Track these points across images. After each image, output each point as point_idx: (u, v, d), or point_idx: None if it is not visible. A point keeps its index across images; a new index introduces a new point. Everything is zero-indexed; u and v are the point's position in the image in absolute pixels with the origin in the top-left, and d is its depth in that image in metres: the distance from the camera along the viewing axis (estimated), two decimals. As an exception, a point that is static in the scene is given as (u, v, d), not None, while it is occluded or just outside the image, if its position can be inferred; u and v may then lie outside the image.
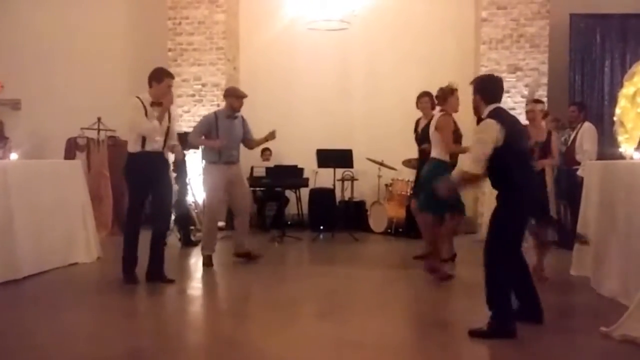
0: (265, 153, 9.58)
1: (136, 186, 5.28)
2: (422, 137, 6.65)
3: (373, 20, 9.49)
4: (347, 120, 9.78)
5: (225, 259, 6.55)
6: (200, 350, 3.85)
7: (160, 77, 5.26)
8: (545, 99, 8.98)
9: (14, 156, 6.09)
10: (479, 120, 4.08)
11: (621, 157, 6.35)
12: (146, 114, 5.15)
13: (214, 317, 4.70)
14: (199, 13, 9.42)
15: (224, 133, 6.19)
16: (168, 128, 5.35)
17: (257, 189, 9.01)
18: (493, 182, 4.00)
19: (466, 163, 3.94)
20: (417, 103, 6.86)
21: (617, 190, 4.77)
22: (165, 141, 5.36)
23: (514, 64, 8.97)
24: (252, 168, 9.08)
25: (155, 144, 5.24)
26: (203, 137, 6.28)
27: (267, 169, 8.65)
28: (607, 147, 7.69)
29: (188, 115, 9.46)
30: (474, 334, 3.88)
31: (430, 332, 4.19)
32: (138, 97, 5.20)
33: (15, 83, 9.91)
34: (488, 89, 4.08)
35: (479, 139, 3.88)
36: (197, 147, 6.19)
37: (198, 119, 9.19)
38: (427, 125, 6.52)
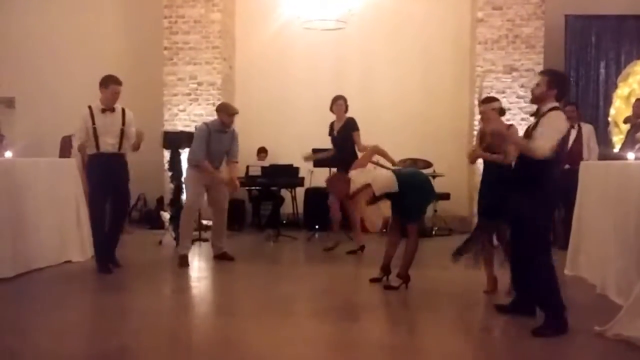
0: (261, 153, 9.58)
1: (94, 185, 5.70)
2: (340, 139, 7.05)
3: (369, 20, 9.49)
4: (343, 119, 9.78)
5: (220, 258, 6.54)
6: (193, 348, 3.84)
7: (106, 84, 5.63)
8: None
9: (8, 154, 6.06)
10: (538, 110, 4.02)
11: (619, 157, 6.36)
12: (93, 122, 5.59)
13: (207, 316, 4.69)
14: (195, 12, 9.40)
15: (213, 147, 6.30)
16: (122, 130, 5.68)
17: (253, 188, 9.00)
18: (527, 172, 3.92)
19: (539, 143, 3.79)
20: (331, 106, 7.24)
21: (614, 189, 4.78)
22: (120, 143, 5.70)
23: (510, 64, 8.99)
24: (247, 167, 9.07)
25: (108, 146, 5.65)
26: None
27: (263, 168, 8.64)
28: (602, 147, 7.73)
29: (184, 114, 9.45)
30: (537, 333, 3.82)
31: (426, 331, 4.19)
32: (89, 107, 5.64)
33: (10, 81, 9.89)
34: (565, 88, 4.17)
35: (556, 127, 3.85)
36: (199, 165, 6.27)
37: (194, 117, 9.26)
38: (344, 128, 6.99)
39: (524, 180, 3.96)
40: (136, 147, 5.81)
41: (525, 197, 3.91)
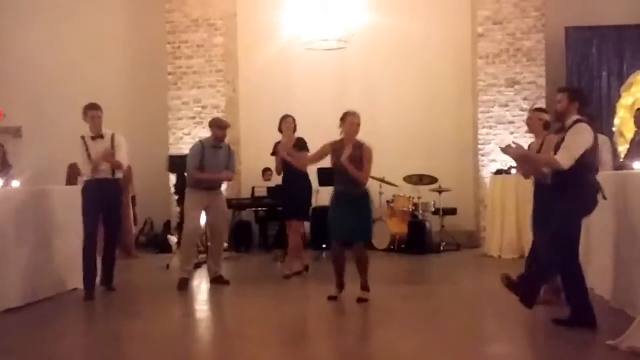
0: (267, 173, 9.58)
1: (88, 209, 5.84)
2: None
3: (371, 39, 9.56)
4: (347, 138, 9.79)
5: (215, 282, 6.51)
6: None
7: (85, 113, 5.96)
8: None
9: (16, 184, 6.10)
10: (563, 125, 4.31)
11: (625, 166, 6.32)
12: (87, 149, 5.85)
13: (218, 339, 4.67)
14: (197, 37, 9.52)
15: (209, 162, 6.34)
16: (112, 156, 5.84)
17: (259, 209, 9.00)
18: (561, 181, 4.15)
19: (561, 155, 4.07)
20: (281, 124, 6.97)
21: (620, 199, 4.74)
22: (113, 168, 5.88)
23: (512, 78, 9.02)
24: (253, 188, 9.09)
25: (102, 172, 5.83)
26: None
27: (269, 189, 8.65)
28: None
29: (189, 137, 9.51)
30: (559, 322, 4.11)
31: (436, 347, 4.15)
32: (82, 136, 5.93)
33: (17, 111, 10.01)
34: (585, 99, 4.48)
35: (577, 140, 4.08)
36: (200, 182, 6.32)
37: (199, 141, 9.31)
38: (297, 148, 6.72)
39: (558, 188, 4.16)
40: (128, 182, 5.92)
41: (559, 205, 4.08)
